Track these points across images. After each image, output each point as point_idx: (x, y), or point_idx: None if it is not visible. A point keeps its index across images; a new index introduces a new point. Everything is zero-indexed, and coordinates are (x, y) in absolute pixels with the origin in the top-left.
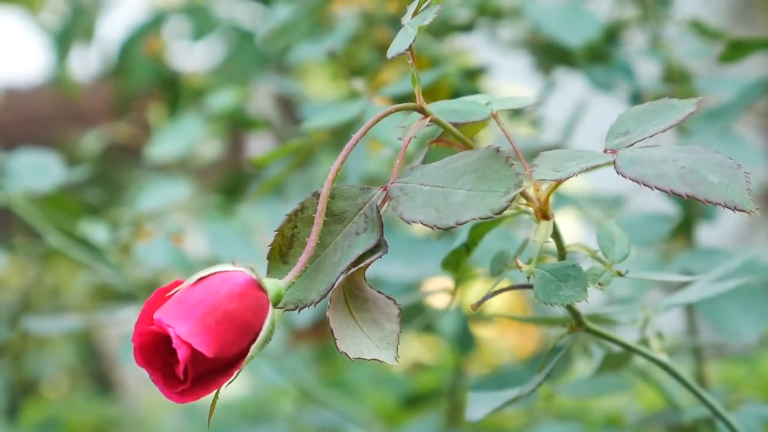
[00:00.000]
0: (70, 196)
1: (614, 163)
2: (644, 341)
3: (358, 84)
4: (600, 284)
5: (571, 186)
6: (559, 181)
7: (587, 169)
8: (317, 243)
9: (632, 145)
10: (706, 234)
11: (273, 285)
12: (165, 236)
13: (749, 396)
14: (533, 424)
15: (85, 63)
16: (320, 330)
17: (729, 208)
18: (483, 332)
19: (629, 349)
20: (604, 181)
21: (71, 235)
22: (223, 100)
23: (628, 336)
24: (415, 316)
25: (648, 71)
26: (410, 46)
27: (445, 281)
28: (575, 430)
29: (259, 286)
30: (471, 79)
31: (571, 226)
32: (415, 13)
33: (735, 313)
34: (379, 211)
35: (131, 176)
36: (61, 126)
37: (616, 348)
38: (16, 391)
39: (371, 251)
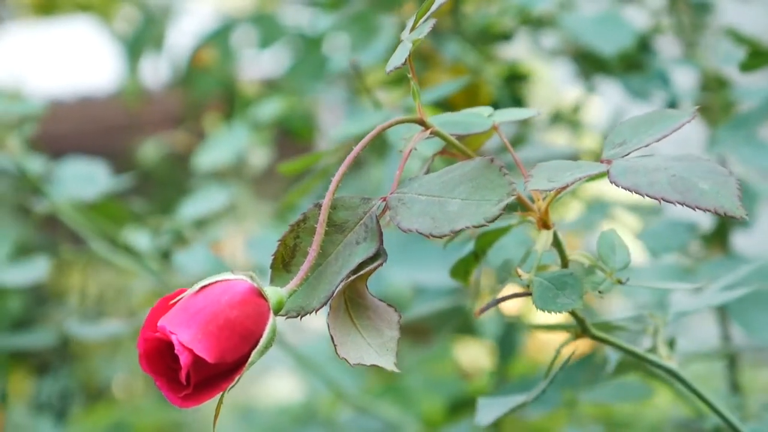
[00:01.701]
0: (115, 204)
1: (608, 173)
2: (653, 348)
3: (381, 94)
4: (600, 292)
5: (611, 194)
6: (557, 192)
7: (581, 180)
8: (319, 252)
9: (628, 154)
10: (755, 242)
11: (274, 293)
12: (204, 243)
13: None
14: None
15: (156, 71)
16: None
17: (719, 214)
18: (544, 336)
19: (636, 356)
20: None
21: (115, 242)
22: (269, 109)
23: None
24: (453, 319)
25: (686, 80)
26: (407, 60)
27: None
28: None
29: (260, 294)
30: (513, 86)
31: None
32: (413, 28)
33: (766, 319)
34: (378, 221)
35: (190, 184)
36: (132, 134)
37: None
38: (69, 397)
39: (371, 259)
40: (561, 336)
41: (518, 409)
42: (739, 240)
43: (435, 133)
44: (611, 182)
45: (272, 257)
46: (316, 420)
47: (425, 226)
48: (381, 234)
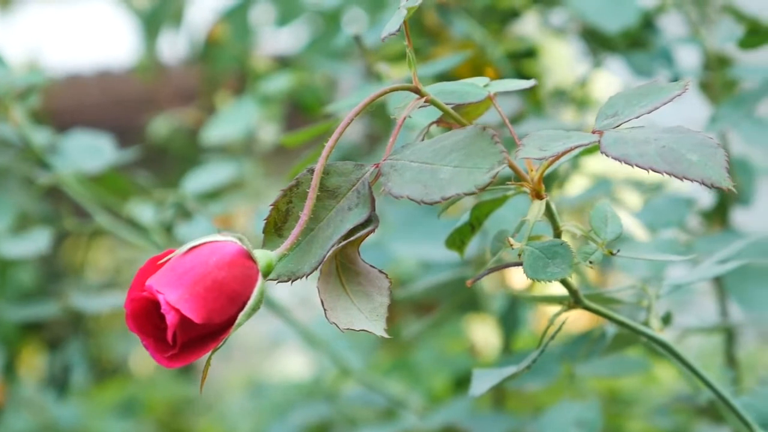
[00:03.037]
0: (120, 177)
1: (599, 143)
2: (646, 321)
3: (384, 67)
4: (591, 263)
5: (615, 171)
6: (550, 161)
7: (572, 149)
8: (311, 217)
9: (619, 126)
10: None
11: (263, 255)
12: (207, 217)
13: None
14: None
15: (173, 47)
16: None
17: (706, 185)
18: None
19: (628, 328)
20: None
21: (119, 215)
22: (277, 84)
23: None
24: (458, 292)
25: (690, 58)
26: (403, 26)
27: None
28: (593, 409)
29: (249, 257)
30: (519, 62)
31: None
32: None
33: (763, 294)
34: (370, 188)
35: (202, 159)
36: (150, 109)
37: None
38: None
39: (362, 225)
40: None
41: (510, 379)
42: (739, 216)
43: (430, 102)
44: (601, 152)
45: (264, 221)
46: (327, 396)
47: (416, 193)
48: (373, 200)
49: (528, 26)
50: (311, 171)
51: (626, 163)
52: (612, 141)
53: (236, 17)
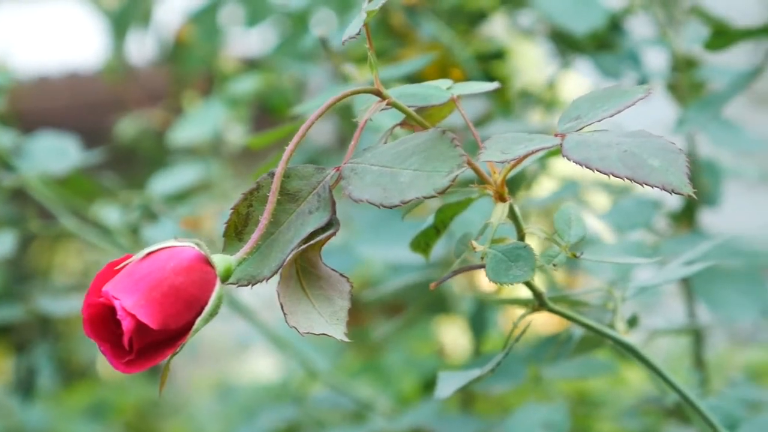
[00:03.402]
0: (86, 179)
1: (561, 146)
2: (611, 323)
3: (350, 68)
4: (554, 265)
5: (583, 173)
6: (513, 164)
7: (534, 152)
8: (271, 221)
9: (582, 129)
10: (738, 222)
11: (222, 260)
12: (173, 219)
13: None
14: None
15: (142, 48)
16: (355, 315)
17: (667, 191)
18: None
19: (593, 330)
20: None
21: (85, 217)
22: (245, 85)
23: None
24: (425, 294)
25: (657, 60)
26: (364, 29)
27: None
28: (560, 411)
29: (207, 262)
30: (486, 64)
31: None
32: None
33: (731, 296)
34: (331, 191)
35: (166, 161)
36: (118, 111)
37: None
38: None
39: (323, 229)
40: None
41: (475, 382)
42: (707, 218)
43: (392, 105)
44: (563, 156)
45: (225, 225)
46: (295, 398)
47: (376, 197)
48: (334, 204)
49: (496, 28)
50: (272, 174)
51: (587, 167)
52: (574, 144)
53: (205, 18)
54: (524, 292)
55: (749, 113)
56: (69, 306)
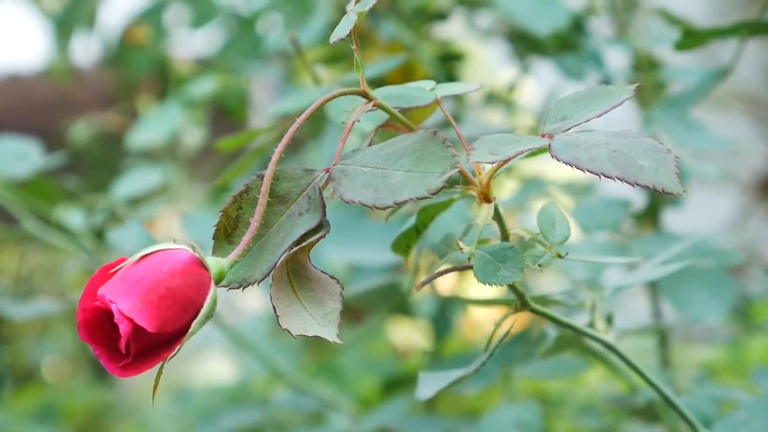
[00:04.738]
0: (48, 183)
1: (549, 147)
2: (591, 323)
3: (320, 70)
4: (540, 266)
5: (552, 173)
6: (499, 165)
7: (523, 153)
8: (261, 223)
9: (569, 129)
10: (697, 221)
11: (215, 263)
12: (138, 222)
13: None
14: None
15: (87, 50)
16: None
17: (657, 191)
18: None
19: (574, 330)
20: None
21: (48, 220)
22: (203, 87)
23: (585, 319)
24: (390, 297)
25: (618, 60)
26: (352, 32)
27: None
28: (532, 411)
29: (201, 264)
30: (448, 66)
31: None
32: (358, 0)
33: (698, 296)
34: (321, 193)
35: (123, 164)
36: (63, 112)
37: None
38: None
39: (313, 231)
40: (497, 313)
41: (458, 383)
42: (669, 218)
43: (378, 106)
44: (552, 156)
45: (215, 228)
46: (253, 400)
47: (368, 198)
48: (324, 206)
49: (454, 29)
50: (261, 177)
51: (577, 167)
52: (563, 145)
53: (150, 19)
54: (486, 292)
55: (705, 115)
56: (30, 310)
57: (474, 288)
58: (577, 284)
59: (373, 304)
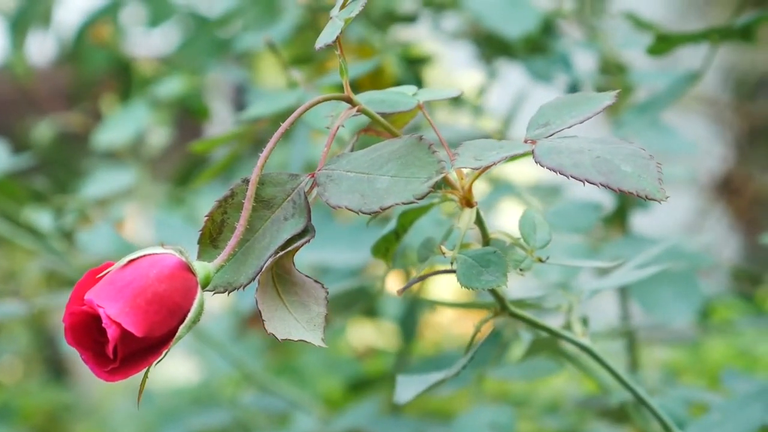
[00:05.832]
0: (16, 183)
1: (533, 152)
2: (568, 326)
3: (296, 73)
4: (521, 270)
5: (516, 175)
6: (482, 170)
7: (507, 158)
8: (246, 228)
9: (551, 135)
10: (656, 222)
11: (202, 267)
12: (108, 223)
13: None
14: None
15: (43, 48)
16: None
17: (641, 197)
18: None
19: (552, 333)
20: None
21: (17, 221)
22: (170, 87)
23: (558, 321)
24: (359, 300)
25: (586, 63)
26: (338, 38)
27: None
28: (506, 413)
29: (188, 269)
30: (415, 68)
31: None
32: (343, 6)
33: (667, 298)
34: (306, 197)
35: (85, 164)
36: (18, 111)
37: (544, 332)
38: None
39: (299, 236)
40: (459, 315)
41: (437, 386)
42: (636, 220)
43: (362, 111)
44: (536, 162)
45: (200, 233)
46: (217, 401)
47: (354, 203)
48: (309, 210)
49: (415, 32)
50: (246, 181)
51: (561, 173)
52: (546, 150)
53: (107, 17)
54: (450, 295)
55: (673, 117)
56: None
57: (439, 290)
58: (552, 287)
59: (343, 308)
